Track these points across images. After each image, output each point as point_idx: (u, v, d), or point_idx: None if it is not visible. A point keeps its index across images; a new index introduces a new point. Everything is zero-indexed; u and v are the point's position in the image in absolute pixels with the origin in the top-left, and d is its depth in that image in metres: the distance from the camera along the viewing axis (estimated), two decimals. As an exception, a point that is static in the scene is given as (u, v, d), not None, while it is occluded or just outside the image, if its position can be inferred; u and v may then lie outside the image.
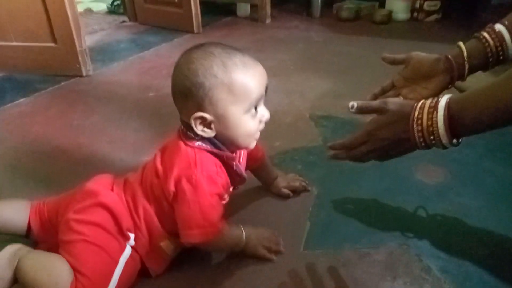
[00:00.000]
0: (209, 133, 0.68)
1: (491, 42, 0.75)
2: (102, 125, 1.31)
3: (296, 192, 0.94)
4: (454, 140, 0.64)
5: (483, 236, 0.82)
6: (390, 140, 0.69)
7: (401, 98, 0.84)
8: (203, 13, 2.33)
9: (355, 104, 0.73)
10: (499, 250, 0.79)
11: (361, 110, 0.73)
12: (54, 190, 0.97)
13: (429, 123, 0.63)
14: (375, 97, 0.88)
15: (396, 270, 0.74)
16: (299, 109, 1.37)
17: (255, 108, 0.69)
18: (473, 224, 0.85)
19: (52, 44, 1.67)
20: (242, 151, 0.77)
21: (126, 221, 0.70)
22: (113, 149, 1.16)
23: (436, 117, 0.63)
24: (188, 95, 0.65)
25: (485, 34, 0.76)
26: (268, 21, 2.54)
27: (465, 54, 0.77)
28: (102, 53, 2.03)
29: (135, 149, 1.17)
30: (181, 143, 0.69)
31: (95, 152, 1.16)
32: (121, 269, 0.67)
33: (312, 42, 2.14)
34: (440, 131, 0.62)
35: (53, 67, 1.71)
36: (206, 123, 0.67)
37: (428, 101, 0.65)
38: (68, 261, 0.65)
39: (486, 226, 0.84)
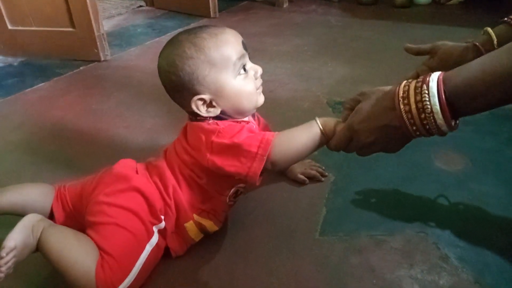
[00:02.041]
0: (214, 111, 0.69)
1: None
2: (119, 109, 1.32)
3: (312, 179, 0.93)
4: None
5: (503, 225, 0.80)
6: (376, 131, 0.60)
7: None
8: (219, -3, 2.32)
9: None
10: (520, 239, 0.77)
11: (345, 115, 0.67)
12: (74, 173, 0.99)
13: (418, 98, 0.54)
14: None
15: (413, 258, 0.73)
16: (317, 95, 1.35)
17: (244, 69, 0.70)
18: (493, 212, 0.83)
19: (71, 29, 1.69)
20: (255, 125, 0.77)
21: (159, 203, 0.71)
22: (130, 134, 1.17)
23: (427, 90, 0.53)
24: (178, 87, 0.68)
25: None
26: (285, 5, 2.50)
27: (495, 41, 0.74)
28: (120, 38, 2.04)
29: (152, 134, 1.17)
30: (200, 123, 0.70)
31: (112, 136, 1.17)
32: (146, 256, 0.68)
33: (330, 26, 2.10)
34: (433, 106, 0.53)
35: (71, 52, 1.73)
36: (207, 104, 0.69)
37: (414, 80, 0.57)
38: (96, 240, 0.66)
39: (507, 215, 0.82)
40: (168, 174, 0.73)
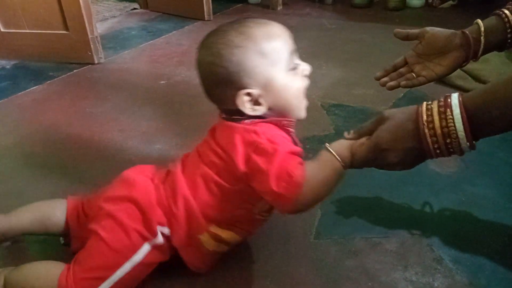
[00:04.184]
0: (260, 109, 0.63)
1: (511, 17, 0.73)
2: (114, 113, 1.32)
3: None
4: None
5: (496, 227, 0.81)
6: (402, 152, 0.59)
7: (413, 75, 0.82)
8: (214, 0, 2.31)
9: (349, 132, 0.66)
10: (513, 241, 0.78)
11: (358, 134, 0.64)
12: (68, 177, 0.99)
13: (443, 123, 0.55)
14: (386, 73, 0.85)
15: (407, 260, 0.74)
16: (311, 98, 1.34)
17: (294, 65, 0.64)
18: (487, 214, 0.84)
19: (64, 32, 1.68)
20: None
21: (158, 216, 0.66)
22: (124, 137, 1.17)
23: (452, 115, 0.55)
24: (223, 81, 0.62)
25: (506, 10, 0.73)
26: (279, 8, 2.51)
27: (482, 28, 0.74)
28: (114, 41, 2.03)
29: (147, 137, 1.17)
30: (234, 123, 0.64)
31: (107, 140, 1.16)
32: (125, 272, 0.65)
33: (324, 29, 2.11)
34: (459, 132, 0.55)
35: (65, 55, 1.72)
36: (254, 100, 0.62)
37: (435, 102, 0.58)
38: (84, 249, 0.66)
39: (500, 217, 0.83)
40: (180, 183, 0.67)
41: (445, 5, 2.39)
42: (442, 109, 0.56)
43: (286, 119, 0.66)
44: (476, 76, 1.36)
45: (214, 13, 2.34)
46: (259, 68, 0.61)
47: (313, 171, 0.61)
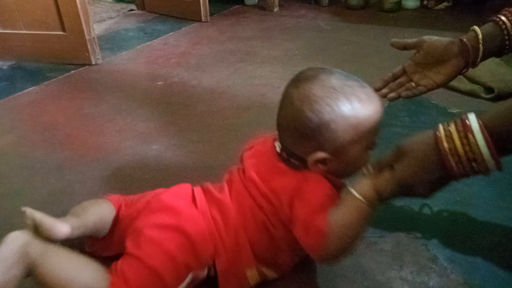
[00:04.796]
0: (322, 169, 0.63)
1: (508, 24, 0.73)
2: (111, 113, 1.32)
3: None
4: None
5: (491, 226, 0.82)
6: (431, 184, 0.58)
7: (413, 84, 0.82)
8: (211, 1, 2.32)
9: (368, 169, 0.63)
10: (508, 240, 0.78)
11: (378, 169, 0.61)
12: (65, 179, 0.99)
13: (467, 149, 0.54)
14: (385, 83, 0.85)
15: (403, 259, 0.74)
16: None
17: (373, 143, 0.65)
18: (482, 214, 0.85)
19: (61, 33, 1.68)
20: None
21: (208, 247, 0.63)
22: (122, 138, 1.17)
23: (475, 140, 0.53)
24: (309, 136, 0.61)
25: (502, 17, 0.74)
26: (276, 9, 2.52)
27: (480, 36, 0.74)
28: (111, 42, 2.03)
29: (144, 137, 1.17)
30: (288, 168, 0.64)
31: (104, 141, 1.17)
32: None
33: (320, 30, 2.12)
34: (484, 156, 0.53)
35: (62, 56, 1.72)
36: (322, 160, 0.62)
37: (452, 125, 0.56)
38: (122, 269, 0.60)
39: (495, 216, 0.84)
40: (231, 213, 0.65)
41: (440, 6, 2.41)
42: (462, 134, 0.54)
43: (338, 180, 0.65)
44: (471, 77, 1.37)
45: (211, 14, 2.34)
46: (344, 140, 0.60)
47: (340, 220, 0.58)
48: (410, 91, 0.82)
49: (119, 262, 0.62)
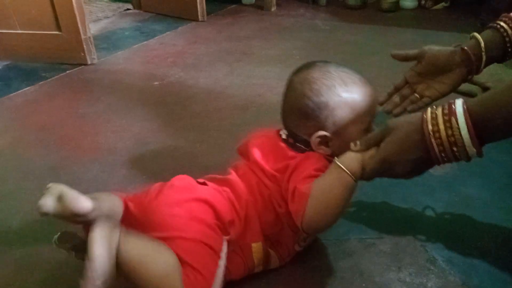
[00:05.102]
0: (326, 150, 0.68)
1: (509, 31, 0.73)
2: (107, 114, 1.31)
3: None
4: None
5: (489, 227, 0.81)
6: (411, 163, 0.60)
7: (417, 96, 0.82)
8: (207, 0, 2.31)
9: (356, 143, 0.65)
10: (506, 241, 0.78)
11: (366, 146, 0.63)
12: (60, 179, 0.98)
13: (449, 132, 0.55)
14: (389, 97, 0.85)
15: (401, 261, 0.74)
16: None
17: (370, 126, 0.69)
18: (480, 215, 0.84)
19: (57, 32, 1.67)
20: None
21: (228, 214, 0.65)
22: (118, 138, 1.16)
23: (457, 124, 0.54)
24: (310, 115, 0.67)
25: (502, 23, 0.74)
26: (273, 9, 2.51)
27: (482, 45, 0.74)
28: (107, 41, 2.02)
29: (140, 138, 1.16)
30: (293, 152, 0.68)
31: (100, 141, 1.16)
32: (223, 265, 0.62)
33: (318, 30, 2.12)
34: (464, 140, 0.54)
35: (58, 56, 1.71)
36: (324, 140, 0.67)
37: (439, 109, 0.57)
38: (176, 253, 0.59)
39: (493, 217, 0.84)
40: (241, 187, 0.68)
41: (438, 6, 2.41)
42: (447, 117, 0.55)
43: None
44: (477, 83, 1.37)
45: (208, 13, 2.33)
46: (344, 120, 0.66)
47: (322, 186, 0.61)
48: (415, 104, 0.82)
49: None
